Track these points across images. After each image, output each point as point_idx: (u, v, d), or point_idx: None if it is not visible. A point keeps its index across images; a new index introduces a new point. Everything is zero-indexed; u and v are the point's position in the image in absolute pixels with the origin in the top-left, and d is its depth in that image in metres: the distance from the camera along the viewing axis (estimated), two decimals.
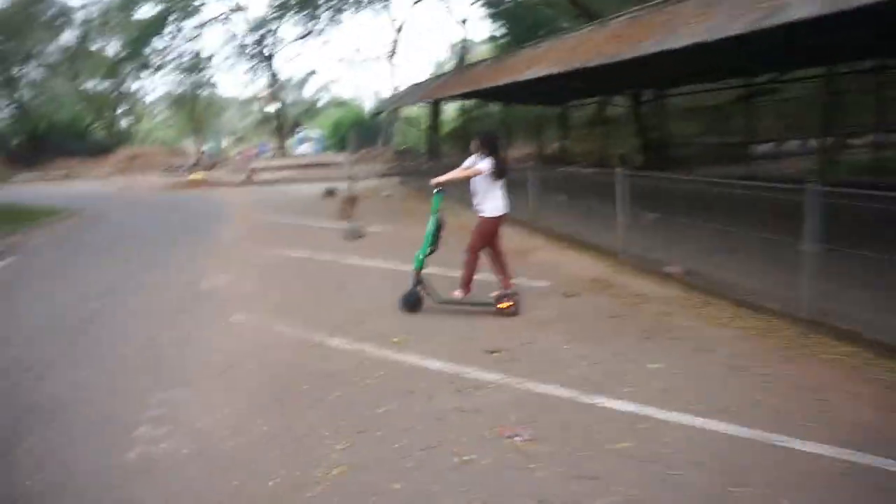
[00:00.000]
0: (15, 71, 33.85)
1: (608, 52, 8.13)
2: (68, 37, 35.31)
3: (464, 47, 30.29)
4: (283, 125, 41.20)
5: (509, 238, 9.27)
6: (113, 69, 34.58)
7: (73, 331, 5.45)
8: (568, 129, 26.71)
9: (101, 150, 31.98)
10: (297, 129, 49.43)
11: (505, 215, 5.76)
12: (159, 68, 34.89)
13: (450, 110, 26.33)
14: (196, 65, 35.41)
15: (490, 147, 5.63)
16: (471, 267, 5.81)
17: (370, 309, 5.75)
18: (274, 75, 38.27)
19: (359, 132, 41.59)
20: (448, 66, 51.79)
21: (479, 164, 5.59)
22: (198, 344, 4.98)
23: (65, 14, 33.82)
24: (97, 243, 10.22)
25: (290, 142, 43.80)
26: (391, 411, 3.68)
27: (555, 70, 8.58)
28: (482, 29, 30.15)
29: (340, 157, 34.27)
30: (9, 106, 34.98)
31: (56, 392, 4.14)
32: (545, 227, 9.45)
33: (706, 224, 6.93)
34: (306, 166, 28.69)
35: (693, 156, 19.19)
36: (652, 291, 6.08)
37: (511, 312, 5.44)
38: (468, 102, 32.02)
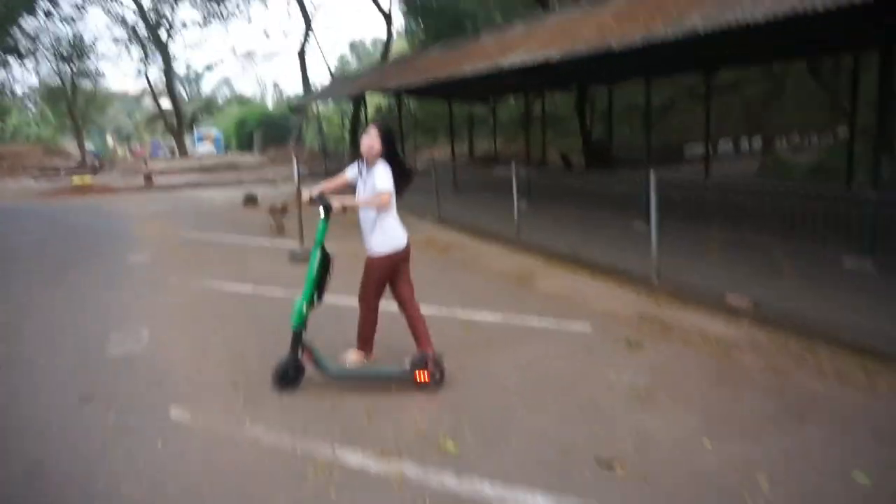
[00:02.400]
0: None
1: (616, 35, 6.77)
2: None
3: (388, 40, 28.40)
4: (179, 122, 37.37)
5: (497, 259, 7.84)
6: None
7: None
8: (497, 127, 25.66)
9: None
10: (196, 127, 45.50)
11: (408, 248, 4.13)
12: (30, 54, 30.43)
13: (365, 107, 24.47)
14: (76, 51, 31.20)
15: (390, 146, 3.94)
16: (367, 321, 4.19)
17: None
18: (169, 66, 34.45)
19: (266, 130, 38.89)
20: (353, 66, 49.82)
21: (379, 178, 3.81)
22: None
23: None
24: None
25: (187, 140, 40.01)
26: None
27: (553, 55, 7.14)
28: (394, 24, 28.14)
29: (249, 158, 31.43)
30: None
31: None
32: (535, 245, 8.01)
33: (758, 239, 5.77)
34: (212, 169, 25.76)
35: (635, 157, 18.58)
36: (725, 334, 4.76)
37: (431, 383, 3.84)
38: (384, 101, 30.42)
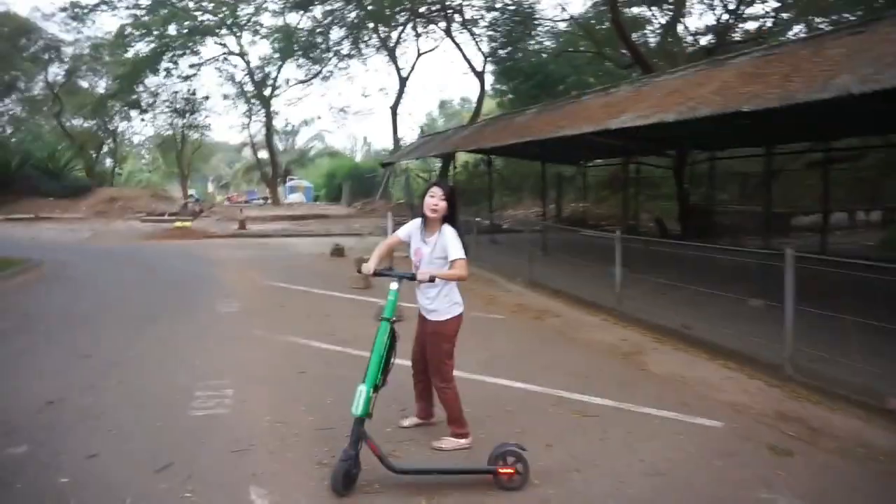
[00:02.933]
0: None
1: (744, 95, 6.20)
2: (55, 71, 33.44)
3: (480, 99, 28.81)
4: (274, 173, 39.16)
5: (598, 331, 7.18)
6: (101, 106, 32.59)
7: None
8: (586, 189, 25.08)
9: (77, 190, 29.47)
10: (289, 178, 47.60)
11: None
12: (150, 107, 33.07)
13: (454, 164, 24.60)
14: (190, 106, 33.62)
15: (454, 209, 3.72)
16: (456, 395, 3.84)
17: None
18: (269, 120, 36.41)
19: (354, 183, 40.03)
20: (440, 123, 51.23)
21: (452, 245, 3.60)
22: None
23: (53, 48, 31.93)
24: (48, 319, 7.75)
25: (280, 190, 41.82)
26: None
27: (668, 117, 6.64)
28: (484, 84, 28.54)
29: (337, 209, 32.29)
30: None
31: None
32: (639, 318, 7.35)
33: None
34: (301, 217, 26.52)
35: (738, 225, 17.44)
36: (891, 445, 3.93)
37: (515, 484, 3.26)
38: (471, 158, 30.62)
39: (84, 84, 35.40)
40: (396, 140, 32.20)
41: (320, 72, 32.81)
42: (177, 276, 11.37)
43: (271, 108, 36.01)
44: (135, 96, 31.66)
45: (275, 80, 34.10)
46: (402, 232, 3.87)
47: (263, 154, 40.91)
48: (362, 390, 3.23)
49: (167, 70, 29.72)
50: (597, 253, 10.27)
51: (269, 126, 36.88)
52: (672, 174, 18.80)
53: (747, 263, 8.10)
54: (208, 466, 3.50)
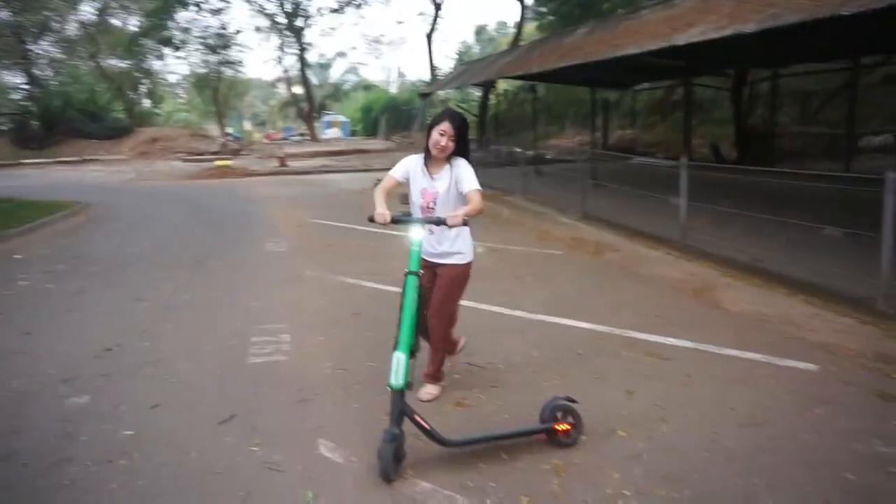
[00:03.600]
0: (30, 45, 31.60)
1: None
2: (87, 9, 33.11)
3: (521, 22, 27.39)
4: (310, 108, 38.63)
5: (663, 266, 6.78)
6: (133, 44, 32.31)
7: None
8: (634, 116, 23.95)
9: (119, 132, 29.67)
10: (324, 113, 47.01)
11: None
12: (182, 44, 32.64)
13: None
14: (222, 41, 33.04)
15: (466, 142, 3.29)
16: (451, 336, 3.62)
17: None
18: (303, 53, 35.60)
19: (391, 116, 39.30)
20: (475, 51, 49.27)
21: (469, 178, 3.17)
22: None
23: None
24: (100, 261, 7.71)
25: (317, 125, 41.38)
26: None
27: (748, 28, 5.95)
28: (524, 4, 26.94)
29: (375, 143, 31.81)
30: (23, 84, 32.81)
31: None
32: (706, 251, 6.90)
33: None
34: (340, 153, 26.21)
35: (800, 148, 16.37)
36: None
37: (570, 440, 2.98)
38: (511, 86, 29.43)
39: (117, 23, 35.04)
40: (433, 69, 31.12)
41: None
42: (222, 215, 11.30)
43: (304, 40, 35.14)
44: (166, 32, 31.20)
45: (307, 9, 33.07)
46: (398, 172, 3.36)
47: (298, 90, 40.28)
48: (400, 358, 2.76)
49: (197, 4, 29.04)
50: (651, 182, 9.72)
51: (302, 59, 36.12)
52: (728, 95, 17.68)
53: (818, 189, 7.51)
54: (272, 418, 3.34)
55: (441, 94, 29.74)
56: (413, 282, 2.90)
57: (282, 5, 32.59)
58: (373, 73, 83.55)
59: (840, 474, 2.75)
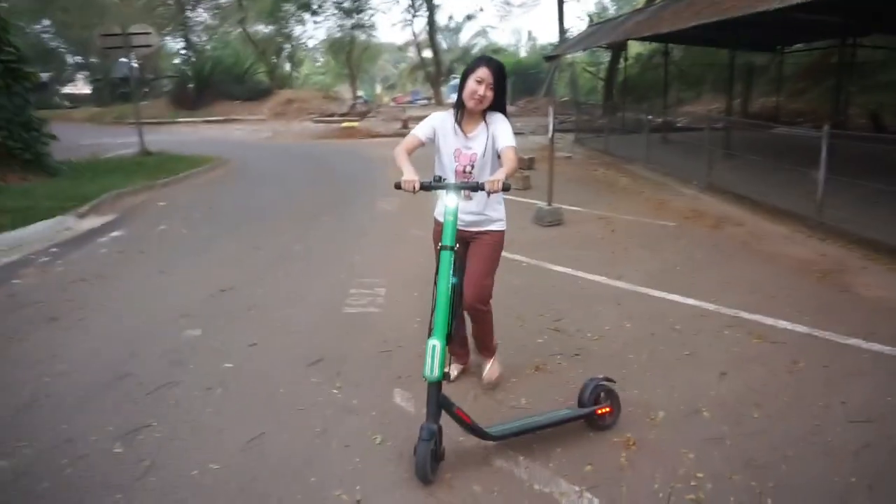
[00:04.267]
0: (189, 13, 34.50)
1: None
2: None
3: None
4: (437, 72, 38.92)
5: (789, 244, 6.20)
6: (276, 10, 34.16)
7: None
8: (780, 81, 21.74)
9: (260, 93, 31.77)
10: (451, 77, 47.19)
11: None
12: (320, 8, 34.03)
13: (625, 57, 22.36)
14: (356, 4, 34.06)
15: (503, 95, 2.85)
16: (490, 321, 3.19)
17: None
18: (432, 16, 35.79)
19: (518, 80, 38.61)
20: (611, 11, 46.86)
21: (506, 133, 2.79)
22: None
23: None
24: (230, 211, 8.38)
25: (443, 90, 41.67)
26: None
27: None
28: None
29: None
30: (182, 49, 36.00)
31: None
32: (844, 230, 6.22)
33: None
34: None
35: None
36: None
37: (609, 422, 2.80)
38: (643, 49, 27.70)
39: None
40: (563, 31, 30.02)
41: None
42: (342, 173, 11.82)
43: (433, 2, 35.26)
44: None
45: None
46: (422, 130, 2.92)
47: (427, 54, 40.69)
48: (435, 346, 2.40)
49: None
50: (792, 154, 8.83)
51: (431, 22, 36.32)
52: None
53: None
54: (357, 364, 3.50)
55: (569, 57, 28.71)
56: (448, 257, 2.57)
57: None
58: (502, 36, 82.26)
59: None
